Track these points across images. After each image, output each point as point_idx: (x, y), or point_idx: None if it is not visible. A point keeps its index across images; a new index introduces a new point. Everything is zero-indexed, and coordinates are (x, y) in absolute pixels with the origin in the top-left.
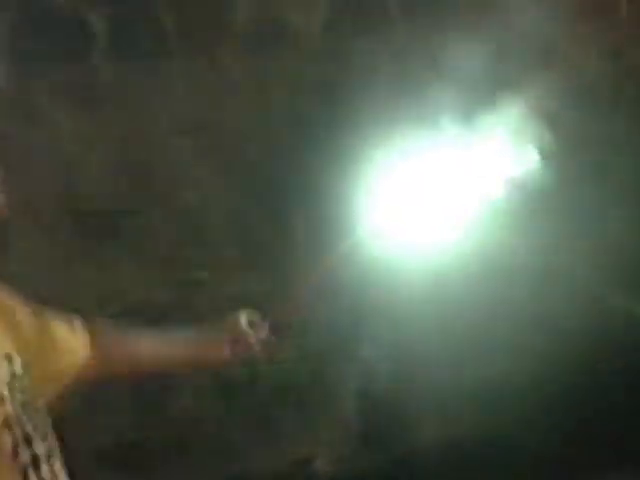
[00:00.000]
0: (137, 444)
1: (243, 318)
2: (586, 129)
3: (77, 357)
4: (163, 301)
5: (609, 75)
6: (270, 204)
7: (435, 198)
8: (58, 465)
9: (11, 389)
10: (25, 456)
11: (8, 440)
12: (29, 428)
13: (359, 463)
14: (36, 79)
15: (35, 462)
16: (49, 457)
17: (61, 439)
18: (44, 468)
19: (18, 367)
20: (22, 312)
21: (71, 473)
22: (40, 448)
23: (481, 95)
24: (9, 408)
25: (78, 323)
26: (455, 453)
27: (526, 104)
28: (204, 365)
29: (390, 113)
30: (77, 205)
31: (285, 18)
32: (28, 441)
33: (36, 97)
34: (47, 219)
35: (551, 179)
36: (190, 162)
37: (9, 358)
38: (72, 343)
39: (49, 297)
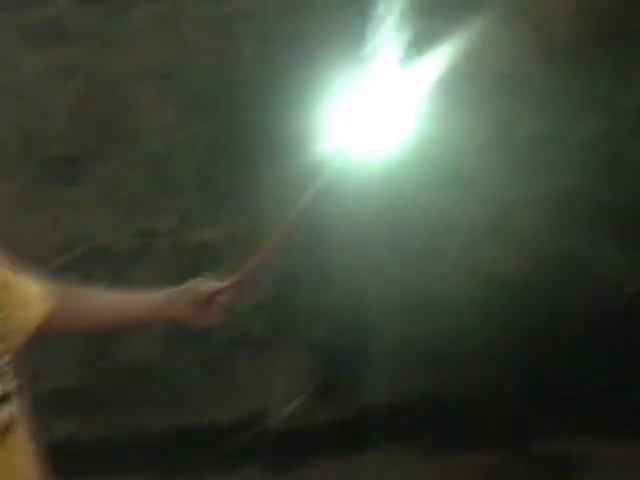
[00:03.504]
0: (88, 389)
1: (207, 285)
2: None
3: (35, 313)
4: (124, 246)
5: None
6: (235, 153)
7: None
8: (18, 406)
9: None
10: None
11: None
12: None
13: (311, 418)
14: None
15: (4, 396)
16: (9, 397)
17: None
18: (11, 406)
19: None
20: None
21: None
22: (2, 385)
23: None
24: None
25: (40, 281)
26: (404, 409)
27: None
28: (160, 323)
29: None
30: (43, 150)
31: None
32: None
33: (1, 40)
34: (13, 163)
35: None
36: (158, 107)
37: None
38: (29, 298)
39: (16, 241)
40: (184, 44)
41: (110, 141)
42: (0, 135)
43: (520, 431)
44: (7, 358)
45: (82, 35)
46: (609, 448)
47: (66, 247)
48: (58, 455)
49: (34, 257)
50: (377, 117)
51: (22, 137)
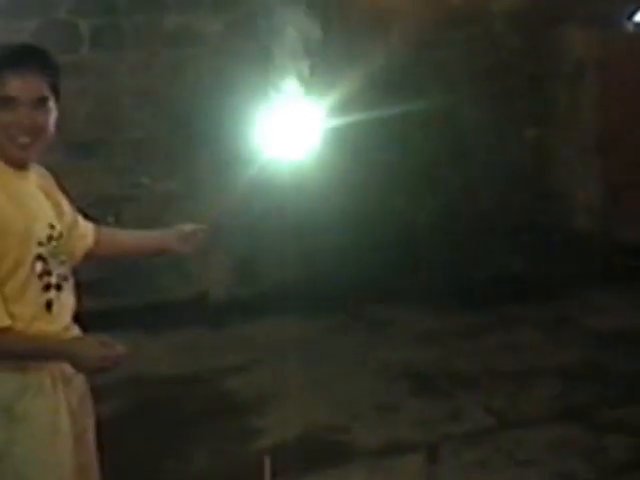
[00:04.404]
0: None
1: (186, 226)
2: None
3: (87, 243)
4: (120, 195)
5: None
6: (188, 137)
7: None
8: (69, 293)
9: (49, 242)
10: (48, 279)
11: (39, 267)
12: (53, 266)
13: (236, 295)
14: None
15: (55, 285)
16: (64, 279)
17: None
18: (60, 292)
19: (56, 233)
20: (65, 202)
21: None
22: (57, 279)
23: None
24: (44, 249)
25: (87, 220)
26: (289, 289)
27: None
28: (160, 253)
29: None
30: (70, 137)
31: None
32: (51, 272)
33: None
34: (51, 146)
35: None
36: (139, 112)
37: (52, 226)
38: (86, 233)
39: None
40: (156, 74)
41: (111, 131)
42: None
43: (356, 301)
44: (68, 266)
45: (95, 69)
46: (413, 313)
47: (85, 196)
48: (85, 317)
49: None
50: (287, 130)
51: (57, 130)
